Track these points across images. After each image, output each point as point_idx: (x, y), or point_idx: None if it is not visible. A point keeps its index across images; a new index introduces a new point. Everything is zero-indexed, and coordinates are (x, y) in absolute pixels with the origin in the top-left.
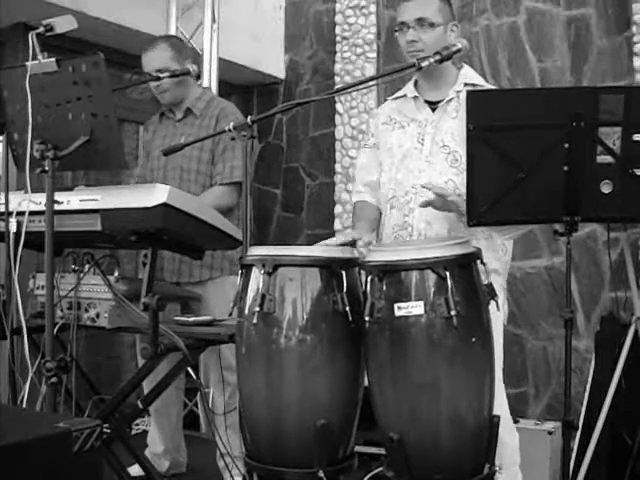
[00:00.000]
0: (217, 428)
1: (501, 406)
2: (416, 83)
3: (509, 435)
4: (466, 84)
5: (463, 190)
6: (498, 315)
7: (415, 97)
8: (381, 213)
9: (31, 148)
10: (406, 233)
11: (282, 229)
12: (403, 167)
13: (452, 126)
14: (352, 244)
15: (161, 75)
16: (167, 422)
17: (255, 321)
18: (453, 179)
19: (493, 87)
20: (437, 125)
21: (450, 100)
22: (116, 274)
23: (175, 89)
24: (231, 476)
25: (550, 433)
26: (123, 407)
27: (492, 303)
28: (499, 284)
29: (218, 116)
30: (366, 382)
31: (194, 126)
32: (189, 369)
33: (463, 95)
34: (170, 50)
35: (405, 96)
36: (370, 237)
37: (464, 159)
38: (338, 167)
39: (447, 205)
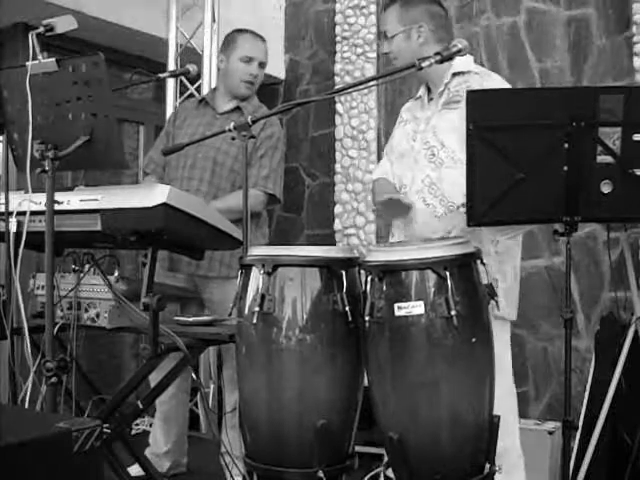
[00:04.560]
0: (221, 427)
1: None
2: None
3: (513, 440)
4: (454, 73)
5: (438, 185)
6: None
7: (420, 96)
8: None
9: (31, 148)
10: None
11: (282, 229)
12: (400, 164)
13: (438, 119)
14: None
15: (161, 75)
16: (174, 424)
17: (255, 321)
18: (429, 174)
19: (480, 70)
20: (428, 122)
21: (442, 92)
22: (116, 274)
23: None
24: (231, 476)
25: (550, 433)
26: (123, 407)
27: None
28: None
29: (265, 123)
30: (366, 382)
31: None
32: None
33: (452, 85)
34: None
35: (420, 97)
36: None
37: (442, 154)
38: (338, 167)
39: None
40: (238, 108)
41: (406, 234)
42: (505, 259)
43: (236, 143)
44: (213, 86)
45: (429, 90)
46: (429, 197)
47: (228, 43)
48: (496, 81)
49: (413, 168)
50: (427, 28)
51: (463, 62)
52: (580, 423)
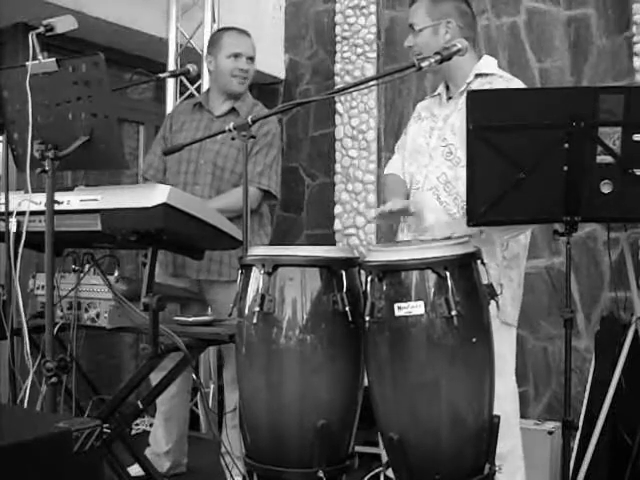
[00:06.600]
0: (221, 427)
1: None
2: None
3: (516, 442)
4: (477, 74)
5: (454, 183)
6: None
7: (439, 94)
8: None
9: (31, 148)
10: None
11: (282, 229)
12: (414, 161)
13: (456, 118)
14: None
15: (161, 75)
16: (176, 424)
17: (255, 321)
18: (446, 172)
19: (504, 74)
20: (446, 120)
21: (463, 92)
22: (116, 274)
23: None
24: (231, 476)
25: (550, 433)
26: (123, 407)
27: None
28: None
29: (261, 122)
30: (366, 382)
31: None
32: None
33: (474, 85)
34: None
35: (439, 94)
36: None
37: (459, 152)
38: (338, 167)
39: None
40: (234, 109)
41: (417, 229)
42: (512, 264)
43: (236, 145)
44: None
45: (447, 88)
46: (444, 194)
47: (214, 43)
48: (519, 86)
49: (427, 165)
50: (455, 24)
51: (487, 64)
52: (580, 423)
